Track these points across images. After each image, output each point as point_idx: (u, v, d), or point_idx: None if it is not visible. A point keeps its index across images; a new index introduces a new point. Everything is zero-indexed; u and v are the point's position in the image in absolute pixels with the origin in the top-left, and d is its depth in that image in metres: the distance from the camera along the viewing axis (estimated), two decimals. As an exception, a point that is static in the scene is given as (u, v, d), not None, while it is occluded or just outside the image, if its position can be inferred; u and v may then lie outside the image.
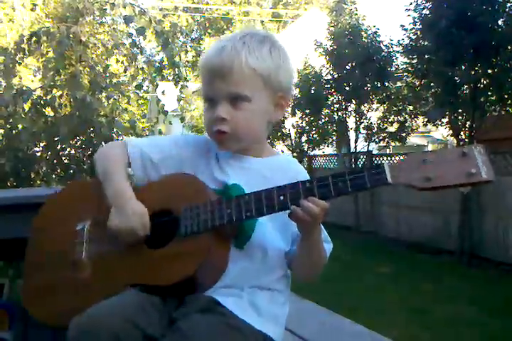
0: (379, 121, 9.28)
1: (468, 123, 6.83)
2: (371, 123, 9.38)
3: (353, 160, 9.54)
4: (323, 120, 10.22)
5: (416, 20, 7.03)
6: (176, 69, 5.68)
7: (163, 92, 5.69)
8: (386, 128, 9.23)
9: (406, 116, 8.89)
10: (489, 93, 6.70)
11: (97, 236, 1.29)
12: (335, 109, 9.76)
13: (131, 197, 1.26)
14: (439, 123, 7.23)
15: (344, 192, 1.11)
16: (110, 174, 1.31)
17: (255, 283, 1.23)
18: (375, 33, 9.06)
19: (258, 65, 1.25)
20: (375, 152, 9.93)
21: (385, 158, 9.21)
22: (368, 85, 8.92)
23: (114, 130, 5.67)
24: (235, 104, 1.25)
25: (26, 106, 5.34)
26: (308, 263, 1.27)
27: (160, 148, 1.37)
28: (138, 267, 1.21)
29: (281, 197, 1.13)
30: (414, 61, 7.32)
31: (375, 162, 9.29)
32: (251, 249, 1.22)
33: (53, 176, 5.57)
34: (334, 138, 10.21)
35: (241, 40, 1.26)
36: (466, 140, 6.87)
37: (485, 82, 6.67)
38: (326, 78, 9.82)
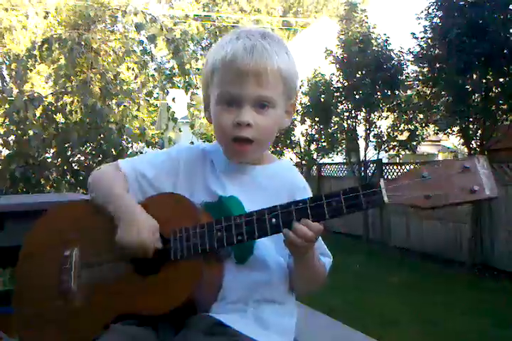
0: (389, 130, 9.24)
1: (479, 132, 6.77)
2: (381, 131, 9.34)
3: (362, 168, 9.49)
4: (332, 128, 10.20)
5: (427, 28, 7.01)
6: (187, 76, 5.71)
7: (173, 99, 5.71)
8: (396, 136, 9.18)
9: (416, 124, 8.83)
10: (500, 102, 6.64)
11: (85, 263, 1.24)
12: (345, 117, 9.73)
13: (142, 210, 1.20)
14: (450, 132, 7.18)
15: (339, 213, 1.04)
16: (111, 192, 1.25)
17: (260, 296, 1.19)
18: (386, 41, 9.04)
19: (285, 68, 1.17)
20: (385, 160, 9.87)
21: (394, 167, 9.15)
22: (378, 93, 8.89)
23: (124, 137, 5.70)
24: (261, 109, 1.17)
25: (37, 113, 5.39)
26: (304, 280, 1.24)
27: (152, 163, 1.30)
28: (129, 295, 1.16)
29: (274, 220, 1.07)
30: (425, 69, 7.29)
31: (385, 170, 9.24)
32: (253, 263, 1.19)
33: (63, 182, 5.60)
34: (344, 146, 10.17)
35: (265, 40, 1.16)
36: (477, 149, 6.81)
37: (496, 91, 6.62)
38: (336, 86, 9.81)
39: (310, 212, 1.05)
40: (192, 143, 2.26)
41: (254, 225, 1.08)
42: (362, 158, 9.51)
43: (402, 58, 8.79)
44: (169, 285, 1.12)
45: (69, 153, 5.70)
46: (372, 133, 9.36)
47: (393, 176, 9.07)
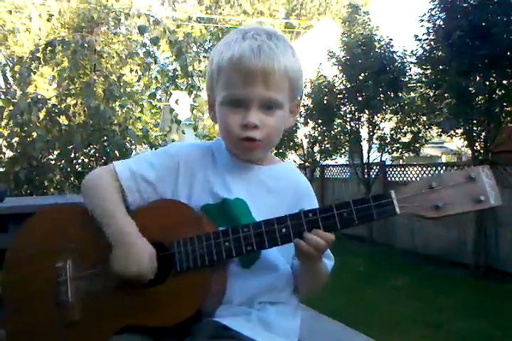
0: (392, 132, 9.23)
1: (483, 134, 6.75)
2: (384, 133, 9.33)
3: (365, 170, 9.48)
4: (335, 130, 10.19)
5: (430, 30, 6.99)
6: (190, 78, 5.71)
7: (176, 101, 5.72)
8: (399, 138, 9.17)
9: (420, 126, 8.82)
10: (504, 104, 6.62)
11: (82, 274, 1.18)
12: (348, 119, 9.72)
13: (137, 237, 1.14)
14: (454, 134, 7.16)
15: (350, 224, 1.05)
16: (108, 210, 1.18)
17: (265, 299, 1.19)
18: (389, 43, 9.04)
19: (292, 69, 1.16)
20: (388, 162, 9.85)
21: (397, 169, 9.13)
22: (381, 95, 8.88)
23: (128, 139, 5.71)
24: (268, 111, 1.16)
25: (41, 115, 5.40)
26: (308, 284, 1.25)
27: (151, 163, 1.24)
28: (133, 307, 1.12)
29: (284, 230, 1.07)
30: (428, 71, 7.28)
31: (388, 172, 9.22)
32: (258, 267, 1.18)
33: (67, 184, 5.60)
34: (347, 148, 10.16)
35: (271, 40, 1.15)
36: (481, 151, 6.79)
37: (500, 93, 6.60)
38: (338, 88, 9.80)
39: (321, 223, 1.06)
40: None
41: (264, 235, 1.07)
42: (365, 160, 9.50)
43: (405, 60, 8.78)
44: (175, 298, 1.09)
45: (72, 155, 5.70)
46: (375, 135, 9.35)
47: (396, 178, 9.06)
